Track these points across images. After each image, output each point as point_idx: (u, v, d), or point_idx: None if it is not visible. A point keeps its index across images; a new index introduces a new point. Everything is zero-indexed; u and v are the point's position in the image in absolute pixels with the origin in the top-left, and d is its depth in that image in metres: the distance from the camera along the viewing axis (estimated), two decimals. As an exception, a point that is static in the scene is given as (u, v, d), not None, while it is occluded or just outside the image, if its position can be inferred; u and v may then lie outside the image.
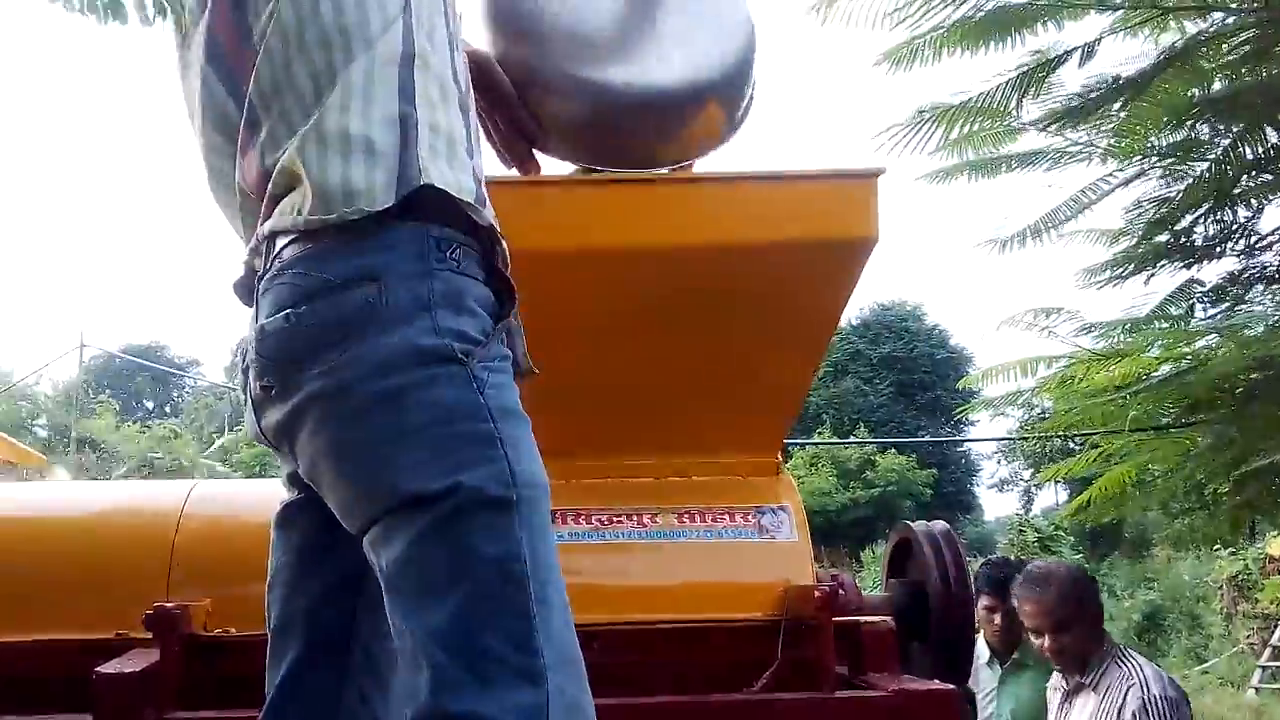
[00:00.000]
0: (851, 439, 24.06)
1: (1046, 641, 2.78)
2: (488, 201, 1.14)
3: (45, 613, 1.64)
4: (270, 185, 1.10)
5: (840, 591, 1.60)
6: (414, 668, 1.00)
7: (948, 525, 1.91)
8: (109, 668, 1.42)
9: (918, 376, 29.35)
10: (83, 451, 17.70)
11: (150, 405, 38.62)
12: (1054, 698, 2.97)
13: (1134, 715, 2.62)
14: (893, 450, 24.18)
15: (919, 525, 1.91)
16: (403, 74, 1.09)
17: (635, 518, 1.83)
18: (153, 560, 1.68)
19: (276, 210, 1.09)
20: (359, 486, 1.05)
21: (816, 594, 1.57)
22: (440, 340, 1.03)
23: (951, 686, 1.50)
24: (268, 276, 1.09)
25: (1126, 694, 2.65)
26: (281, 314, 1.05)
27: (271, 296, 1.08)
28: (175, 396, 39.43)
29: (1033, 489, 26.75)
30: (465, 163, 1.12)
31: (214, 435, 22.78)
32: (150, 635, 1.52)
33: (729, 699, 1.53)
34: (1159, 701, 2.63)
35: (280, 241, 1.08)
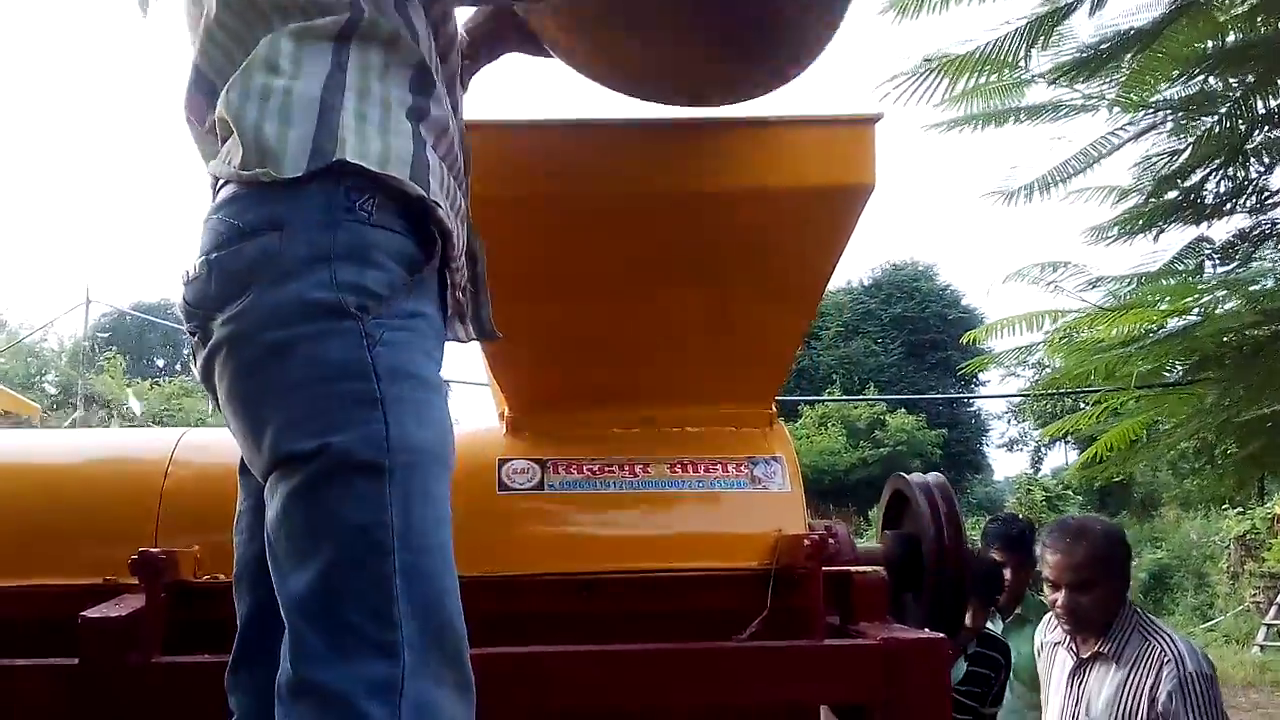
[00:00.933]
0: (861, 397, 24.05)
1: (1061, 597, 2.57)
2: (433, 164, 1.10)
3: (34, 558, 1.64)
4: (216, 127, 1.11)
5: (831, 541, 1.59)
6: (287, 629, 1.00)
7: (943, 477, 1.89)
8: (94, 612, 1.42)
9: (929, 336, 29.28)
10: (90, 408, 17.80)
11: (161, 363, 38.80)
12: (1053, 656, 2.79)
13: (1170, 695, 2.43)
14: (902, 410, 24.19)
15: (914, 477, 1.90)
16: (339, 40, 1.08)
17: (627, 468, 1.82)
18: (141, 506, 1.67)
19: (218, 154, 1.10)
20: (250, 439, 1.04)
21: (806, 543, 1.56)
22: (334, 294, 1.00)
23: (940, 635, 1.49)
24: (204, 220, 1.09)
25: (1161, 671, 2.47)
26: (201, 259, 1.06)
27: (200, 241, 1.08)
28: (186, 354, 39.57)
29: (1042, 448, 26.78)
30: (404, 127, 1.08)
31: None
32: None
33: (717, 646, 1.53)
34: (1195, 679, 2.45)
35: (218, 185, 1.09)
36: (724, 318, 1.78)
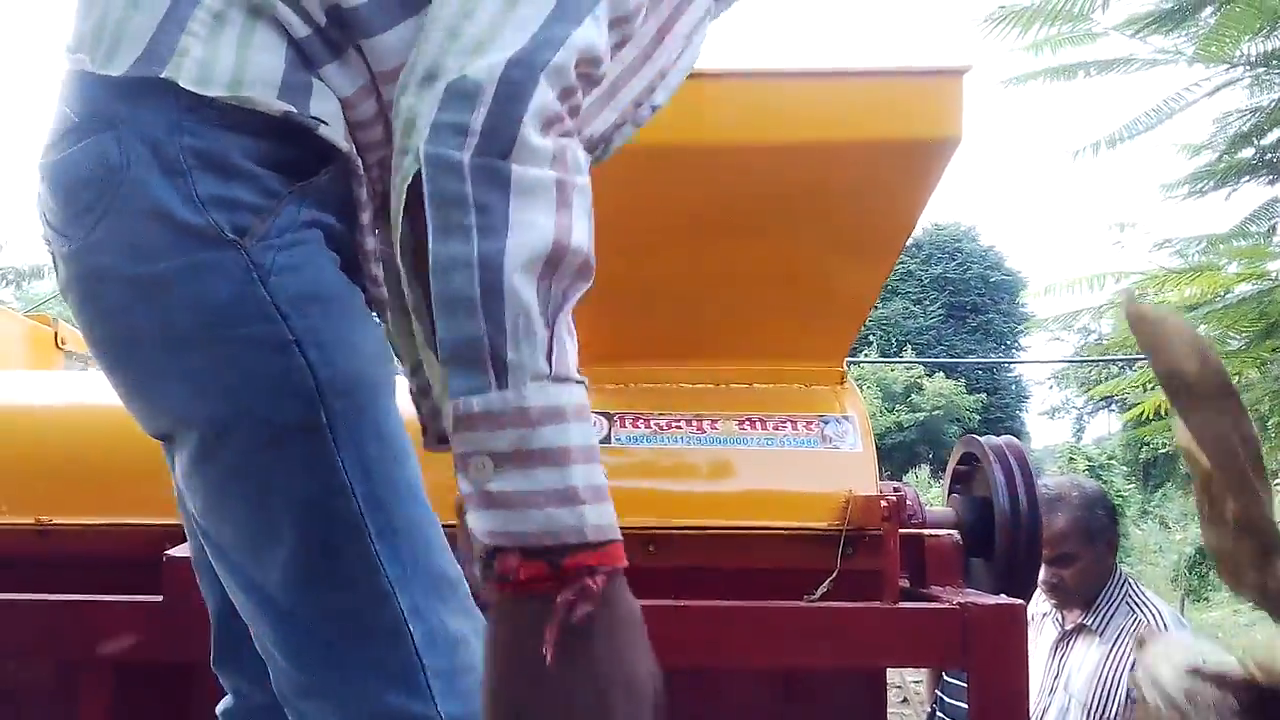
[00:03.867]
0: (900, 359, 23.87)
1: (1041, 572, 2.25)
2: (321, 89, 0.83)
3: (116, 497, 1.66)
4: None
5: (906, 503, 1.57)
6: (259, 629, 0.88)
7: (1017, 440, 1.85)
8: (178, 551, 1.44)
9: (970, 299, 28.96)
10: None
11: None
12: (1040, 628, 2.60)
13: None
14: (940, 374, 23.98)
15: (986, 439, 1.86)
16: None
17: (695, 423, 1.80)
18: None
19: None
20: (134, 394, 0.88)
21: (883, 504, 1.54)
22: (201, 216, 0.78)
23: (1019, 601, 1.47)
24: None
25: None
26: (49, 156, 0.83)
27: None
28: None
29: (1085, 417, 26.47)
30: (275, 42, 0.81)
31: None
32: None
33: (790, 605, 1.52)
34: None
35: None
36: (798, 273, 1.75)
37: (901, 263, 29.18)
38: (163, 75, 0.78)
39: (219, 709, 1.05)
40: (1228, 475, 0.53)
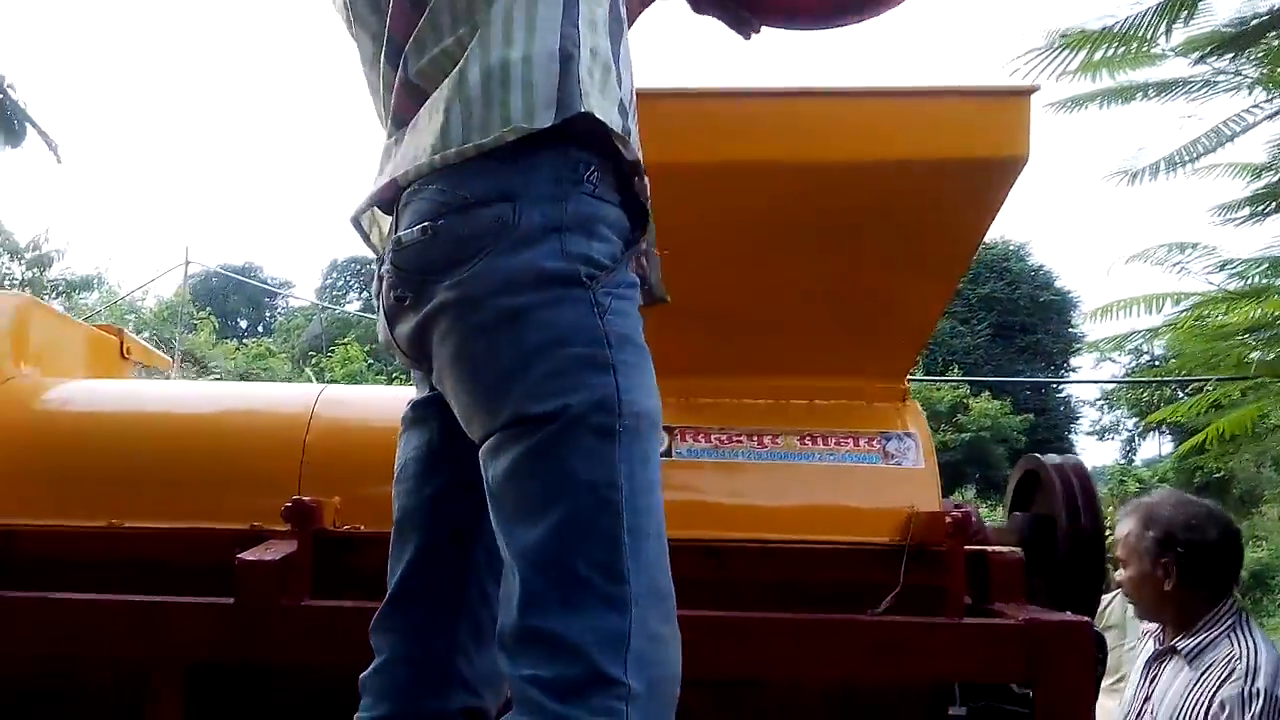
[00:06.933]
0: (947, 378, 23.53)
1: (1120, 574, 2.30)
2: (633, 133, 1.13)
3: (185, 503, 1.71)
4: (424, 100, 1.11)
5: (970, 519, 1.56)
6: (509, 579, 1.05)
7: (1079, 459, 1.84)
8: (250, 555, 1.47)
9: (1019, 319, 28.53)
10: (184, 366, 18.40)
11: (244, 324, 39.97)
12: (1145, 642, 2.50)
13: (1223, 704, 2.11)
14: (986, 394, 23.64)
15: (1048, 457, 1.85)
16: None
17: (756, 438, 1.80)
18: (285, 458, 1.73)
19: (429, 130, 1.09)
20: (477, 400, 1.07)
21: (948, 520, 1.53)
22: (566, 264, 1.03)
23: (1085, 618, 1.46)
24: (409, 190, 1.11)
25: (1228, 677, 2.15)
26: (419, 226, 1.07)
27: (411, 210, 1.10)
28: (268, 316, 40.74)
29: (1136, 438, 25.92)
30: (615, 92, 1.10)
31: (310, 353, 23.46)
32: (284, 527, 1.57)
33: (854, 619, 1.52)
34: (1264, 696, 2.08)
35: (433, 157, 1.09)
36: (863, 290, 1.75)
37: (947, 282, 28.83)
38: (582, 110, 1.04)
39: (362, 676, 1.19)
40: None
